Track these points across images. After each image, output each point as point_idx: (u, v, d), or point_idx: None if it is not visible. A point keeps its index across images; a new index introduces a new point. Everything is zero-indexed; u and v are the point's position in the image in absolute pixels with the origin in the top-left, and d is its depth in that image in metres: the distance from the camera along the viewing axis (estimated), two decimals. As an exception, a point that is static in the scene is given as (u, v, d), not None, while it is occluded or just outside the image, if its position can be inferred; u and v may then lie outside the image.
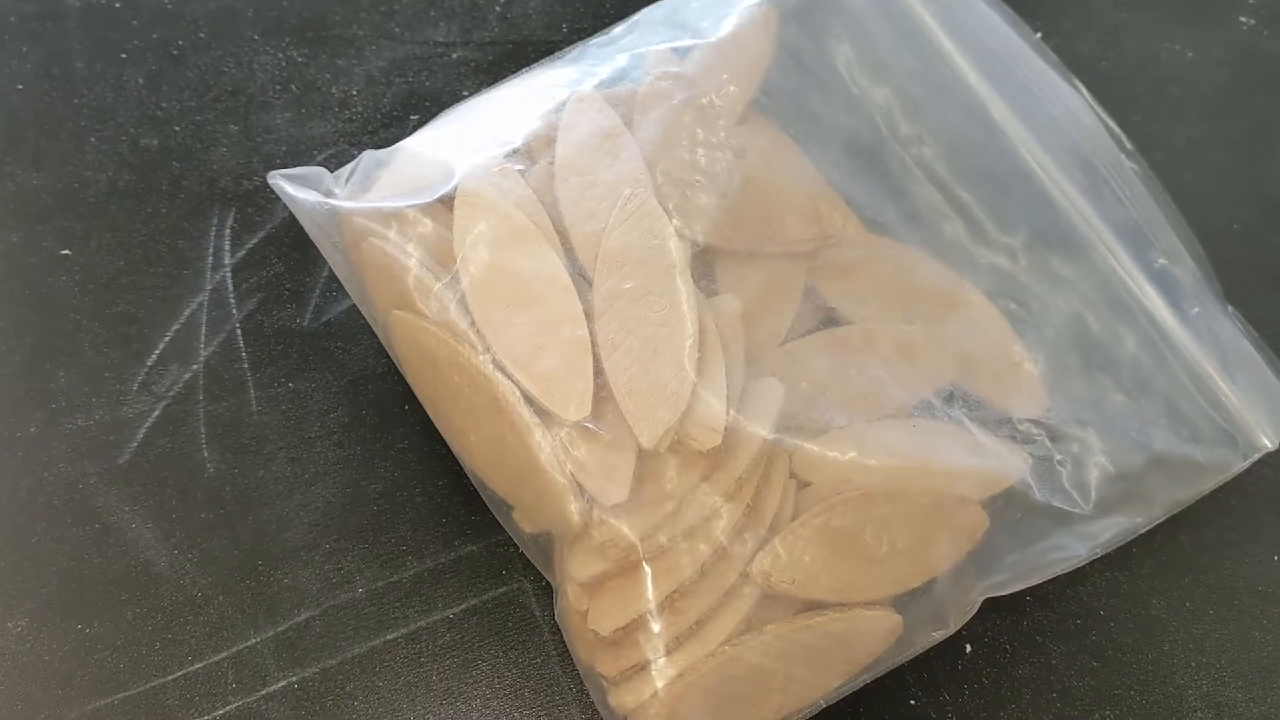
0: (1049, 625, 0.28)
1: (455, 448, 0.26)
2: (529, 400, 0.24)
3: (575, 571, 0.24)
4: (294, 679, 0.25)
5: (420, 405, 0.27)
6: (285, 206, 0.26)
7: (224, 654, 0.25)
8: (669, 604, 0.23)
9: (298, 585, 0.26)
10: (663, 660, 0.23)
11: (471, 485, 0.26)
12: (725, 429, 0.24)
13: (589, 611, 0.24)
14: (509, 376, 0.24)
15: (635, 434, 0.23)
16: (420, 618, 0.26)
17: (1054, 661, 0.27)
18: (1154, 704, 0.27)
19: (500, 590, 0.27)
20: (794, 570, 0.24)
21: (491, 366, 0.24)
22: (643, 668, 0.23)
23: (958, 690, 0.27)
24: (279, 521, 0.27)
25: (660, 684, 0.23)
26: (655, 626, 0.23)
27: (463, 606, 0.26)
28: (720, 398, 0.24)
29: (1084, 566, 0.28)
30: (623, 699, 0.23)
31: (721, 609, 0.24)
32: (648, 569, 0.23)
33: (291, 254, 0.29)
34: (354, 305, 0.28)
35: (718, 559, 0.24)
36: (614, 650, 0.23)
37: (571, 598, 0.24)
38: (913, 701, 0.27)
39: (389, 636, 0.26)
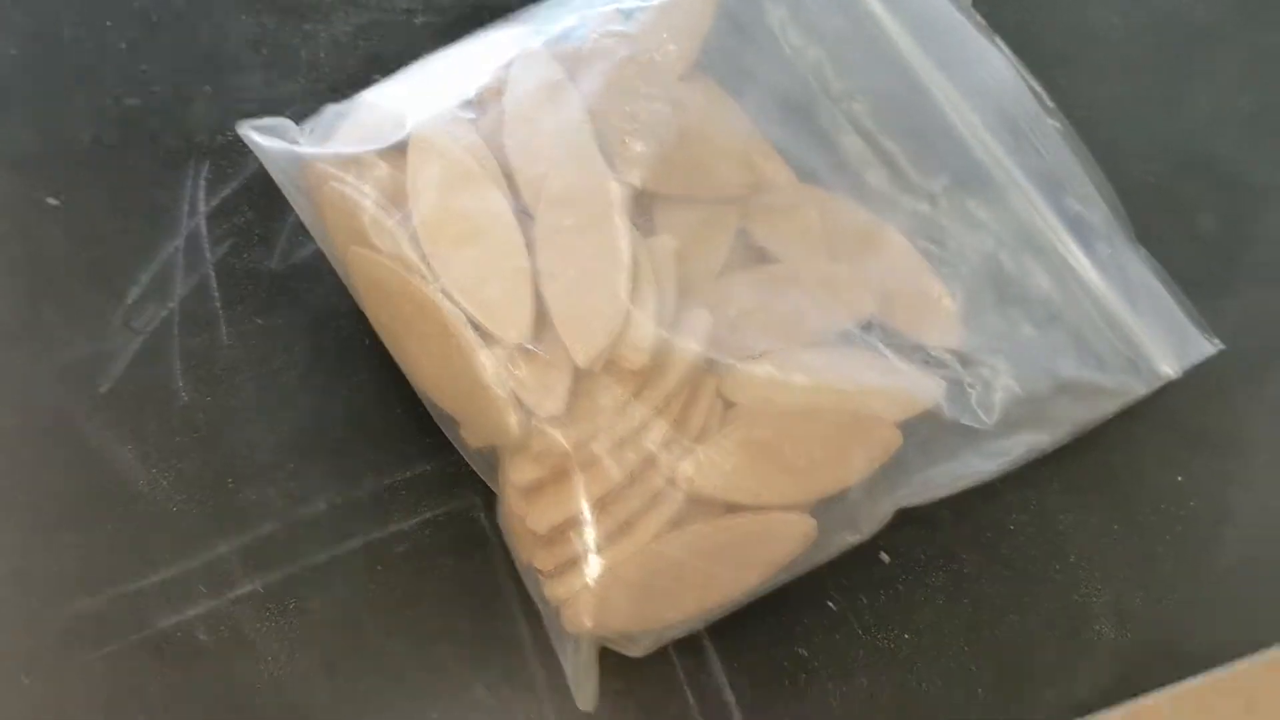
0: (963, 538, 0.30)
1: (408, 372, 0.28)
2: (474, 325, 0.26)
3: (514, 477, 0.26)
4: (259, 584, 0.28)
5: (378, 339, 0.29)
6: (256, 160, 0.29)
7: (195, 561, 0.28)
8: (599, 506, 0.25)
9: (264, 500, 0.28)
10: (592, 556, 0.25)
11: (425, 410, 0.28)
12: (655, 350, 0.26)
13: (527, 513, 0.26)
14: (456, 304, 0.26)
15: (571, 354, 0.25)
16: (377, 530, 0.28)
17: (966, 570, 0.30)
18: (1060, 610, 0.29)
19: (451, 505, 0.29)
20: (715, 476, 0.26)
21: (440, 295, 0.26)
22: (574, 563, 0.25)
23: (874, 595, 0.29)
24: (247, 444, 0.29)
25: (590, 577, 0.25)
26: (586, 526, 0.25)
27: (417, 520, 0.29)
28: (651, 321, 0.26)
29: (996, 485, 0.30)
30: (556, 590, 0.25)
31: (649, 511, 0.26)
32: (579, 475, 0.25)
33: (261, 202, 0.31)
34: (318, 250, 0.30)
35: (646, 466, 0.26)
36: (549, 548, 0.26)
37: (512, 502, 0.26)
38: (831, 604, 0.29)
39: (348, 546, 0.28)
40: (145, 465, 0.28)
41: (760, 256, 0.30)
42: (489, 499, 0.29)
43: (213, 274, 0.31)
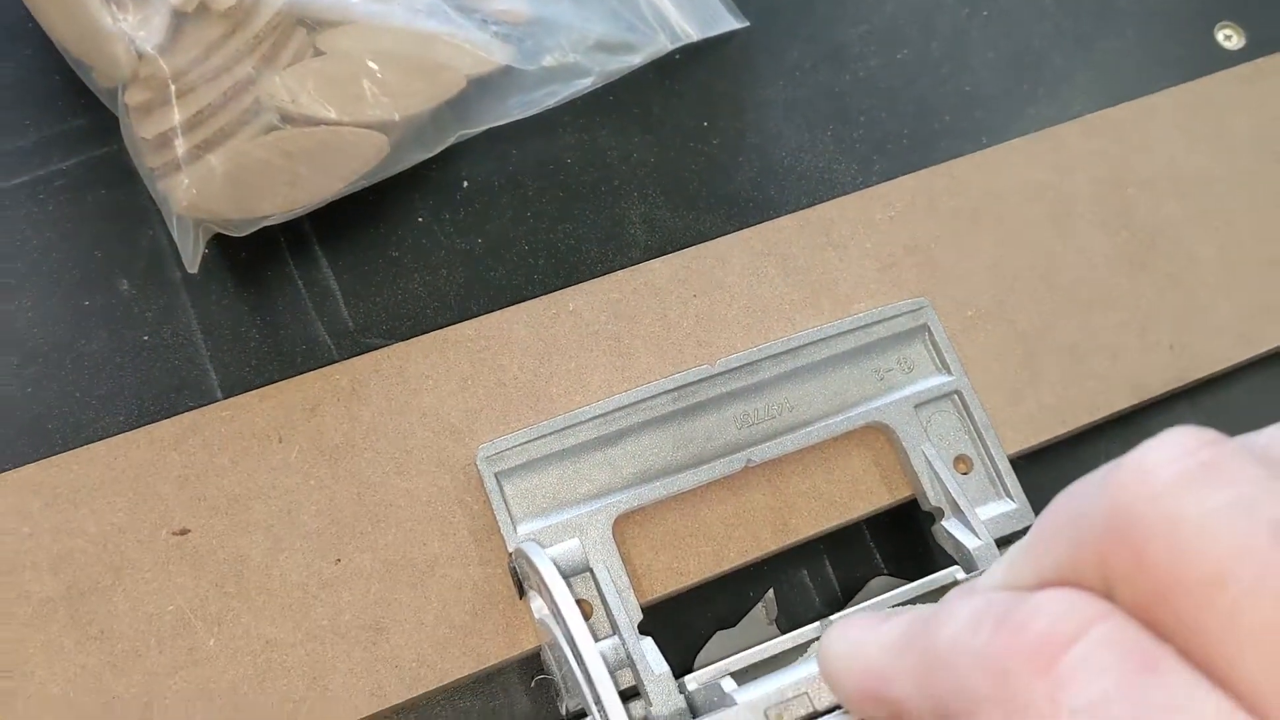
0: (528, 168, 0.38)
1: (49, 30, 0.34)
2: (89, -20, 0.32)
3: (129, 99, 0.33)
4: (-61, 210, 0.34)
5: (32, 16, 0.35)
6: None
7: (-117, 194, 0.34)
8: (197, 119, 0.33)
9: (-59, 148, 0.35)
10: (189, 155, 0.32)
11: (76, 78, 0.35)
12: (240, -2, 0.33)
13: (140, 127, 0.33)
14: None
15: (166, -3, 0.32)
16: (40, 168, 0.35)
17: (529, 193, 0.38)
18: (603, 219, 0.38)
19: (103, 150, 0.36)
20: (296, 93, 0.33)
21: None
22: (177, 165, 0.33)
23: (455, 212, 0.37)
24: (-75, 105, 0.35)
25: (189, 172, 0.32)
26: (184, 133, 0.32)
27: (74, 160, 0.36)
28: (233, -26, 0.33)
29: (558, 129, 0.38)
30: (166, 184, 0.33)
31: (241, 124, 0.33)
32: (176, 91, 0.32)
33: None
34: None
35: (238, 89, 0.33)
36: (159, 152, 0.33)
37: (130, 121, 0.33)
38: (420, 219, 0.37)
39: (16, 181, 0.35)
40: None
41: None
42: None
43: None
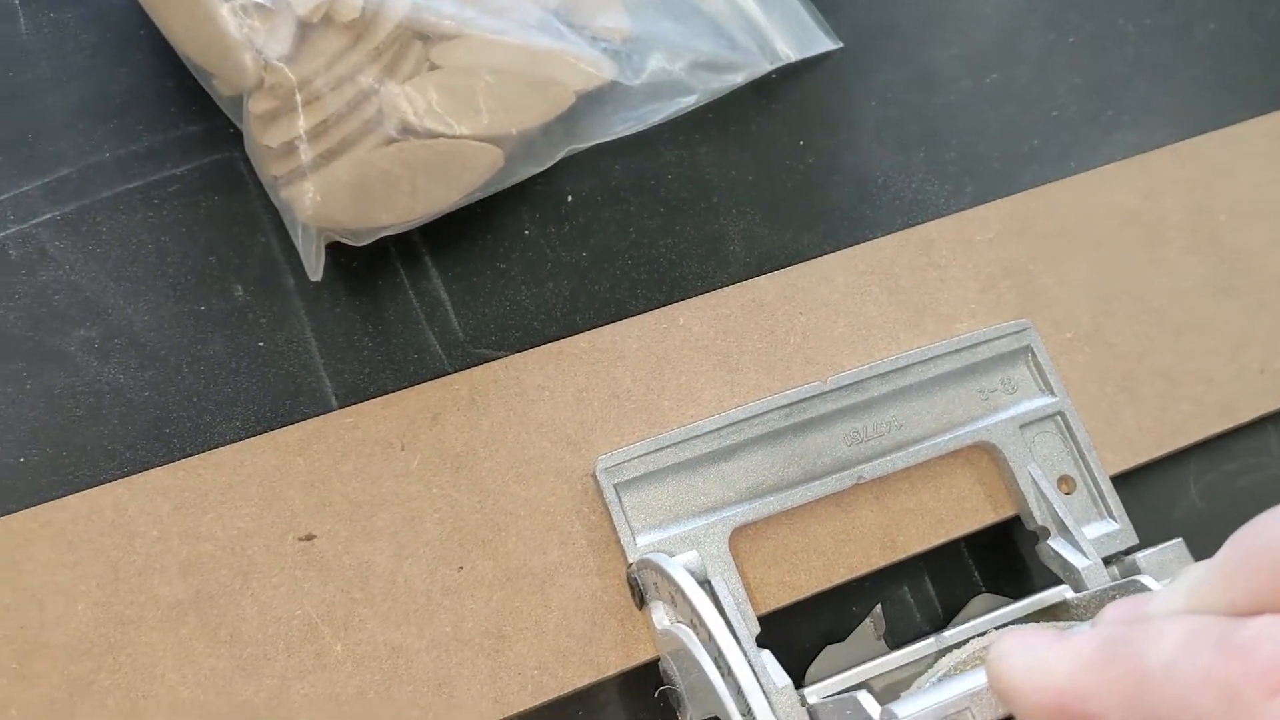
0: (630, 185, 0.38)
1: (171, 38, 0.35)
2: (216, -11, 0.33)
3: (253, 107, 0.33)
4: (58, 213, 0.35)
5: (151, 30, 0.36)
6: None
7: (3, 196, 0.34)
8: (321, 128, 0.33)
9: (59, 152, 0.35)
10: (314, 162, 0.33)
11: (192, 83, 0.35)
12: (366, 9, 0.33)
13: (264, 134, 0.33)
14: (201, -28, 0.33)
15: (294, 5, 0.33)
16: (154, 173, 0.36)
17: (631, 209, 0.38)
18: (703, 234, 0.38)
19: (216, 156, 0.36)
20: (417, 105, 0.34)
21: (188, -33, 0.33)
22: (301, 172, 0.33)
23: (560, 226, 0.38)
24: (44, 109, 0.35)
25: (314, 181, 0.33)
26: (309, 142, 0.33)
27: (187, 166, 0.36)
28: (359, -13, 0.33)
29: (659, 146, 0.39)
30: (288, 191, 0.33)
31: (364, 134, 0.34)
32: (303, 102, 0.33)
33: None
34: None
35: (361, 99, 0.33)
36: (282, 160, 0.33)
37: (254, 129, 0.34)
38: (526, 232, 0.37)
39: (129, 186, 0.35)
40: (-47, 124, 0.35)
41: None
42: (245, 151, 0.36)
43: (5, -25, 0.37)
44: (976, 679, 0.24)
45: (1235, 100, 0.43)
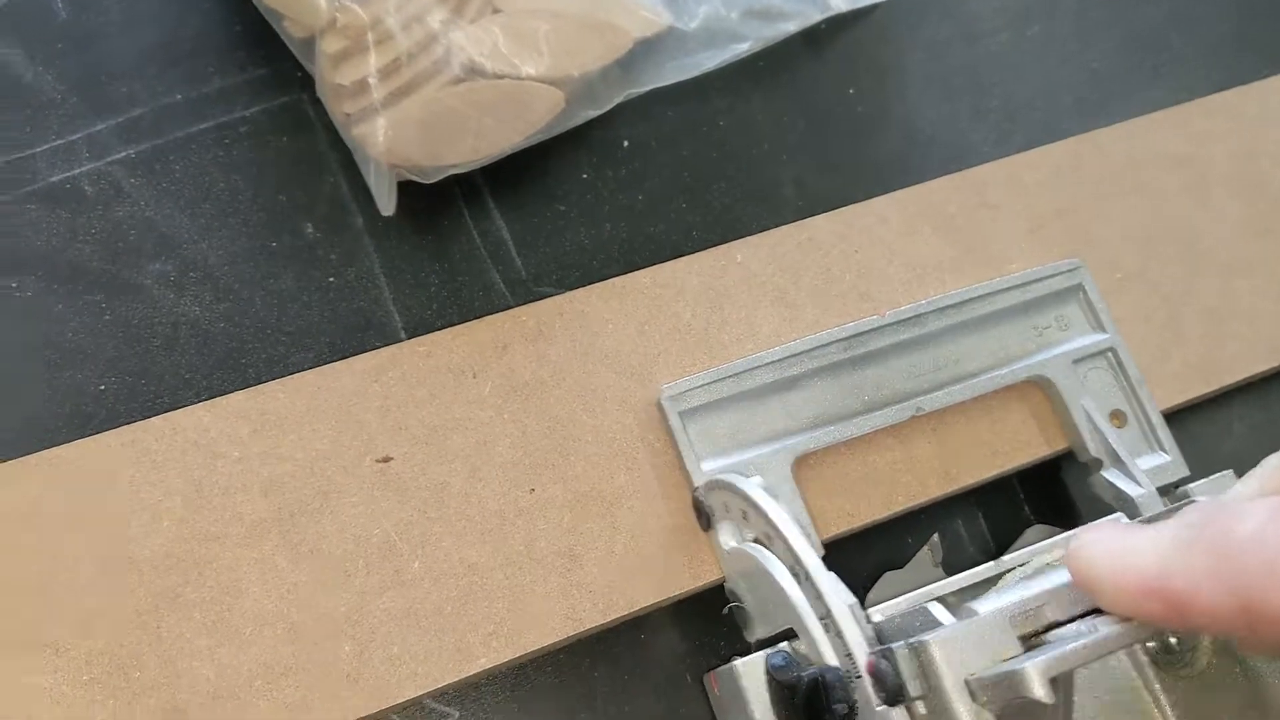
0: (684, 131, 0.39)
1: (241, -20, 0.36)
2: (290, -67, 0.34)
3: (326, 47, 0.34)
4: (131, 151, 0.35)
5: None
6: None
7: (78, 135, 0.35)
8: (393, 66, 0.34)
9: (132, 93, 0.36)
10: (385, 100, 0.34)
11: (260, 29, 0.36)
12: (431, -48, 0.34)
13: (337, 73, 0.34)
14: (275, -84, 0.34)
15: (364, -52, 0.33)
16: (224, 115, 0.36)
17: (684, 153, 0.39)
18: (755, 180, 0.39)
19: (284, 98, 0.37)
20: (484, 47, 0.34)
21: (262, -89, 0.34)
22: (373, 109, 0.34)
23: (617, 170, 0.38)
24: (115, 51, 0.36)
25: (383, 116, 0.33)
26: (381, 79, 0.34)
27: (256, 109, 0.37)
28: (427, -71, 0.34)
29: (711, 94, 0.40)
30: (361, 129, 0.34)
31: (432, 73, 0.34)
32: (375, 41, 0.34)
33: None
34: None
35: (429, 40, 0.34)
36: (355, 98, 0.34)
37: (325, 69, 0.34)
38: (584, 175, 0.38)
39: (201, 126, 0.36)
40: (32, 63, 0.36)
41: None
42: (312, 93, 0.37)
43: (76, -77, 0.37)
44: (1049, 579, 0.25)
45: (1263, 58, 0.44)
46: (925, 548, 0.34)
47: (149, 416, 0.32)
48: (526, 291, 0.36)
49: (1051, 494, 0.37)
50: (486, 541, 0.31)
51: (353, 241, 0.36)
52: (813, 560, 0.26)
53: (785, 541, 0.27)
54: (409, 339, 0.34)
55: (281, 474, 0.31)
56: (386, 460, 0.31)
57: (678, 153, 0.39)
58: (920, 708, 0.24)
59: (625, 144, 0.39)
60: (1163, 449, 0.34)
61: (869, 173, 0.40)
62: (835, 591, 0.25)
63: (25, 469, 0.30)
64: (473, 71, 0.35)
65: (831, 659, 0.26)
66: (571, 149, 0.38)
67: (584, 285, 0.36)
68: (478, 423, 0.32)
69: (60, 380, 0.32)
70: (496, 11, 0.36)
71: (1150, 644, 0.30)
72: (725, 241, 0.37)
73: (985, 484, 0.35)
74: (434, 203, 0.37)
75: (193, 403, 0.32)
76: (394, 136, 0.34)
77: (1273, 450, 0.35)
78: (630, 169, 0.39)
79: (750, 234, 0.38)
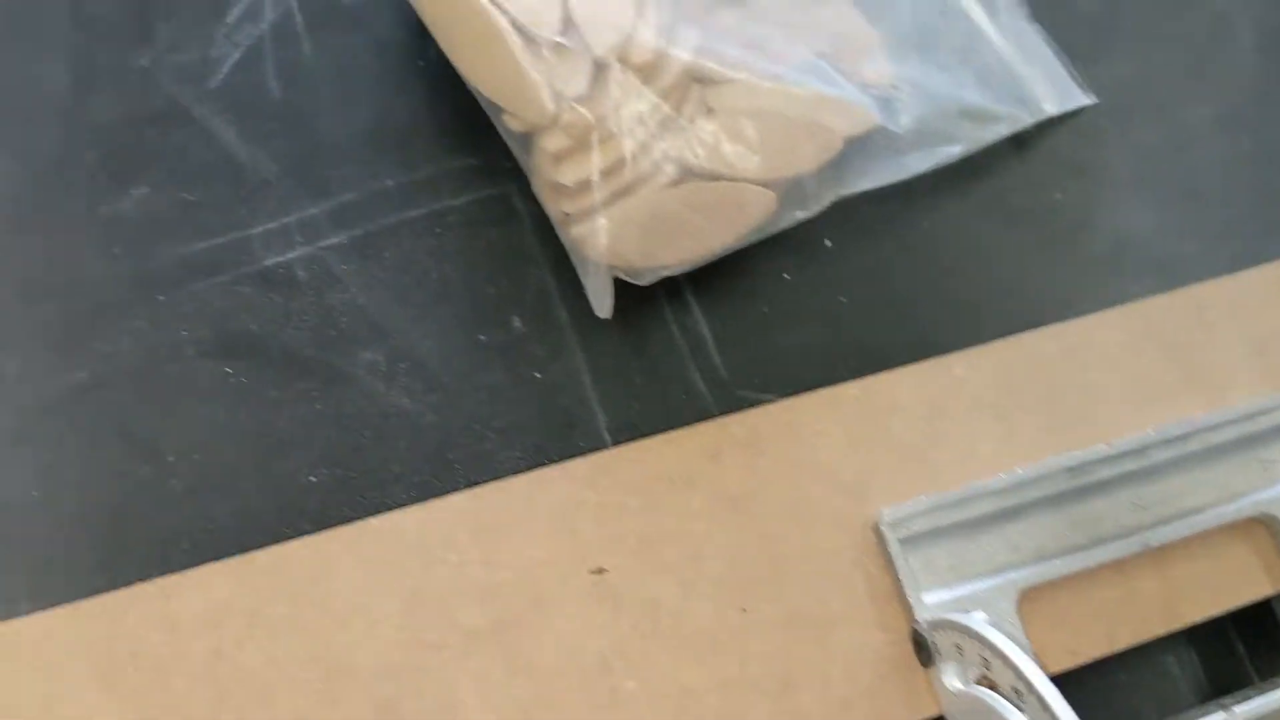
0: (886, 230, 0.38)
1: (462, 71, 0.35)
2: (517, 27, 0.34)
3: (547, 145, 0.34)
4: (344, 237, 0.35)
5: (432, 60, 0.36)
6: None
7: (291, 218, 0.35)
8: (615, 167, 0.33)
9: (344, 176, 0.36)
10: (606, 200, 0.33)
11: (472, 115, 0.36)
12: (656, 50, 0.34)
13: (558, 173, 0.34)
14: (502, 9, 0.34)
15: (590, 47, 0.33)
16: (434, 203, 0.36)
17: (885, 255, 0.38)
18: (960, 285, 0.38)
19: (493, 190, 0.37)
20: (698, 147, 0.34)
21: (489, 3, 0.34)
22: (594, 209, 0.33)
23: (819, 271, 0.38)
24: (328, 133, 0.36)
25: (604, 217, 0.33)
26: (603, 180, 0.33)
27: (466, 199, 0.37)
28: (652, 28, 0.34)
29: (913, 194, 0.39)
30: (580, 229, 0.34)
31: (651, 174, 0.34)
32: (598, 139, 0.33)
33: (334, -52, 0.38)
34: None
35: (650, 140, 0.34)
36: (574, 199, 0.34)
37: (545, 168, 0.34)
38: (786, 276, 0.37)
39: (411, 214, 0.36)
40: (246, 143, 0.36)
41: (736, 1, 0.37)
42: (521, 186, 0.37)
43: (295, 3, 0.38)
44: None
45: None
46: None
47: (359, 512, 0.32)
48: (728, 394, 0.35)
49: (1264, 627, 0.35)
50: (700, 663, 0.30)
51: (558, 337, 0.35)
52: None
53: (1039, 699, 0.26)
54: (613, 439, 0.34)
55: (499, 582, 0.30)
56: (601, 572, 0.31)
57: (880, 254, 0.38)
58: None
59: (827, 243, 0.38)
60: (1400, 598, 0.33)
61: (1079, 284, 0.38)
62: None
63: (251, 567, 0.30)
64: (688, 172, 0.34)
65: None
66: (771, 249, 0.38)
67: (785, 389, 0.35)
68: (690, 535, 0.32)
69: (273, 469, 0.32)
70: (710, 110, 0.35)
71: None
72: (929, 351, 0.36)
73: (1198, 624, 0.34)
74: (635, 300, 0.36)
75: (403, 499, 0.32)
76: (615, 237, 0.33)
77: None
78: (832, 271, 0.38)
79: (955, 345, 0.37)
